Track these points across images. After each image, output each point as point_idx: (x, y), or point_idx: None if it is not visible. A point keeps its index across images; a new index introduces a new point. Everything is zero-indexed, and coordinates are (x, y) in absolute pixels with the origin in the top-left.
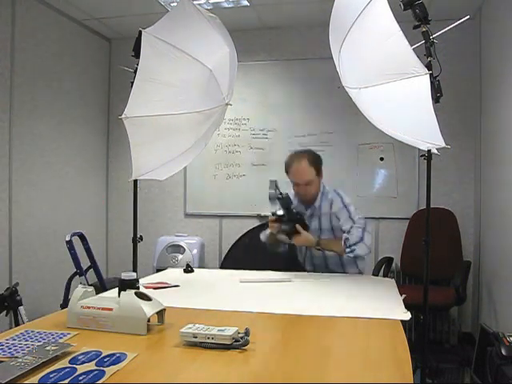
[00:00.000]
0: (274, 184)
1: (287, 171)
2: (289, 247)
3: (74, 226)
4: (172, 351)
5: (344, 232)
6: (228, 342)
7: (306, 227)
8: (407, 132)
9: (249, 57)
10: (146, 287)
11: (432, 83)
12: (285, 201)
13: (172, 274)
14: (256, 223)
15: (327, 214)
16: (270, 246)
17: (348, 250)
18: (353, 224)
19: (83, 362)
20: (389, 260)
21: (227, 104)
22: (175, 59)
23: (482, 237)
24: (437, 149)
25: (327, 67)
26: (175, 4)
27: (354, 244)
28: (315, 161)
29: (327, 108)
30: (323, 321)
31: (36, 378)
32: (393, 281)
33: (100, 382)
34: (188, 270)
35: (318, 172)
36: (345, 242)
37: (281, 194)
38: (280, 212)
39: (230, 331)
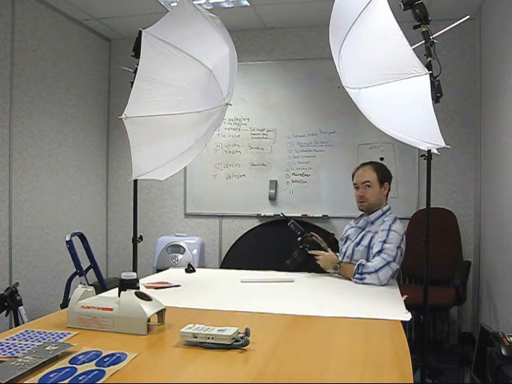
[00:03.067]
0: (275, 184)
1: (353, 176)
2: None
3: (74, 226)
4: (172, 351)
5: (371, 255)
6: (228, 342)
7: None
8: (407, 132)
9: (249, 57)
10: (148, 287)
11: (432, 83)
12: (305, 239)
13: (174, 274)
14: (256, 223)
15: (372, 232)
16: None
17: (358, 276)
18: (381, 249)
19: (83, 362)
20: None
21: (227, 104)
22: (175, 59)
23: (482, 237)
24: (437, 149)
25: (327, 67)
26: (175, 4)
27: (368, 273)
28: (381, 169)
29: (327, 108)
30: (323, 321)
31: (36, 378)
32: (394, 281)
33: (100, 382)
34: (190, 269)
35: (381, 180)
36: (358, 267)
37: (301, 233)
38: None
39: (230, 331)
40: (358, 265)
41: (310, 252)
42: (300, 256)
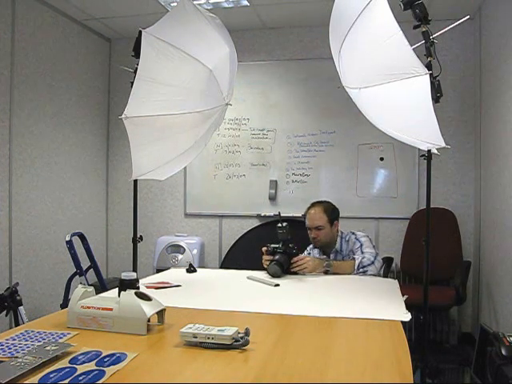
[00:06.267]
0: (275, 184)
1: (305, 216)
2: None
3: (74, 226)
4: (172, 351)
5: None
6: (228, 342)
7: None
8: (407, 132)
9: (249, 57)
10: (148, 287)
11: (432, 83)
12: (284, 230)
13: (175, 274)
14: (256, 223)
15: (348, 254)
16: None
17: (361, 270)
18: (363, 251)
19: (83, 362)
20: (389, 260)
21: (227, 104)
22: (175, 59)
23: (481, 237)
24: (437, 149)
25: (327, 67)
26: (175, 4)
27: (368, 265)
28: (329, 210)
29: (327, 108)
30: (323, 321)
31: (36, 378)
32: (395, 281)
33: (100, 382)
34: (191, 269)
35: (330, 221)
36: (358, 265)
37: (281, 222)
38: (275, 245)
39: (230, 331)
40: (359, 264)
41: (295, 259)
42: (285, 262)
